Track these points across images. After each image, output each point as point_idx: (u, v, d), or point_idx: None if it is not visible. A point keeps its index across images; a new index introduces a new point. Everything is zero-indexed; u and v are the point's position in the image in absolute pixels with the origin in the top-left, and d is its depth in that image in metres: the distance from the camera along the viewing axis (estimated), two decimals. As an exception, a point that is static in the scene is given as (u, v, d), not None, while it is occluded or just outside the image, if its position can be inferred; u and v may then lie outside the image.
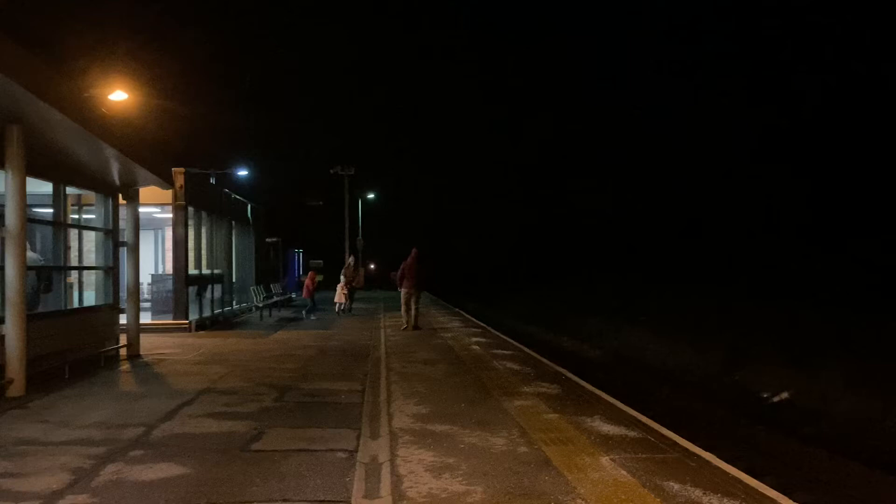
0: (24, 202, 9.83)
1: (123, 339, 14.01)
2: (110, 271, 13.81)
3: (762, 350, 16.64)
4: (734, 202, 42.34)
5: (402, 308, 19.08)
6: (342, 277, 25.28)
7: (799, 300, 21.96)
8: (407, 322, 18.87)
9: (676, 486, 5.61)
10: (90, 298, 13.77)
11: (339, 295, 24.36)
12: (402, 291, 18.88)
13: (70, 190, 12.66)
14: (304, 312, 23.90)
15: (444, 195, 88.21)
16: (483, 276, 59.77)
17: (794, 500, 5.38)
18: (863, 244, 28.85)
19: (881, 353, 14.14)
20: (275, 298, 27.48)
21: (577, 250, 57.80)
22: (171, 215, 19.70)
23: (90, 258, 14.01)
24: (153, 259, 24.26)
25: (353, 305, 27.07)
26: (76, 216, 13.89)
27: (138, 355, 13.90)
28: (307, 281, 24.57)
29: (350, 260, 25.14)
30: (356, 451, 6.83)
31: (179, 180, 18.86)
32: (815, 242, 31.99)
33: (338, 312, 24.36)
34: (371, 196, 47.90)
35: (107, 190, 13.69)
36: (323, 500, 5.41)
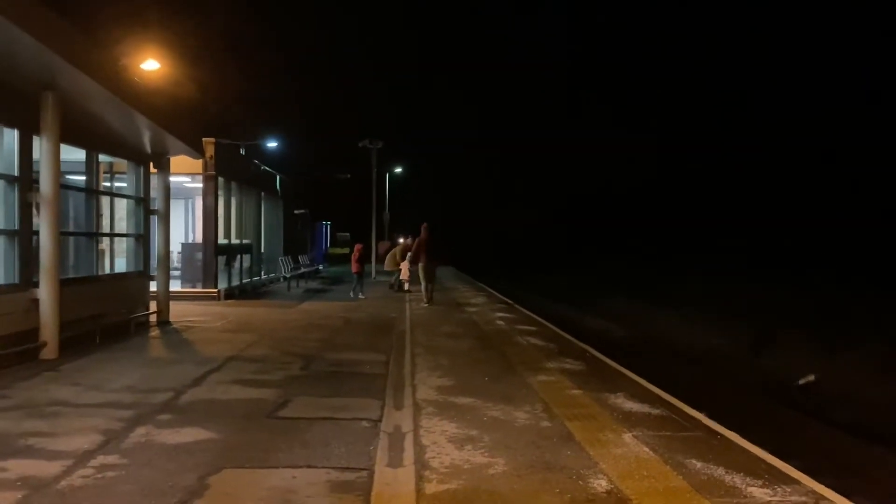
0: (59, 168, 9.97)
1: (153, 306, 14.23)
2: (141, 239, 13.98)
3: (791, 333, 16.48)
4: (763, 184, 41.84)
5: (423, 284, 19.30)
6: (401, 256, 24.14)
7: (830, 284, 21.70)
8: (427, 297, 19.07)
9: (699, 464, 5.60)
10: (121, 265, 13.97)
11: (406, 272, 23.45)
12: (420, 267, 19.21)
13: (102, 158, 12.82)
14: (352, 292, 21.57)
15: (478, 172, 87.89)
16: (512, 255, 59.66)
17: (820, 483, 5.35)
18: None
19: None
20: (302, 270, 27.67)
21: (610, 233, 57.52)
22: (201, 185, 19.87)
23: (121, 226, 14.18)
24: (183, 228, 24.49)
25: (378, 280, 26.95)
26: (108, 184, 14.05)
27: (168, 322, 14.11)
28: (355, 254, 22.30)
29: (409, 239, 24.37)
30: (380, 420, 6.90)
31: (210, 150, 18.97)
32: (847, 228, 31.56)
33: (407, 290, 23.40)
34: (398, 170, 47.80)
35: (138, 158, 13.83)
36: (347, 468, 5.48)
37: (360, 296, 21.02)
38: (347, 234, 52.98)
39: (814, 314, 18.16)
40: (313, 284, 27.26)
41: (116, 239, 13.99)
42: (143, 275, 14.06)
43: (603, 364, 10.50)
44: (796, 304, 20.04)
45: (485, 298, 22.08)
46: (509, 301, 21.25)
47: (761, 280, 26.14)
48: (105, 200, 13.24)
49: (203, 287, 19.33)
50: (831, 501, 4.91)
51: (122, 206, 14.11)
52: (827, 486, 5.34)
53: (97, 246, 12.74)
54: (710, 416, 7.30)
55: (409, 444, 6.08)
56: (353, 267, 21.99)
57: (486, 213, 79.09)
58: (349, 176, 49.32)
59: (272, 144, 37.34)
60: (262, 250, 25.54)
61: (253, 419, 6.88)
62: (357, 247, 22.87)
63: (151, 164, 14.29)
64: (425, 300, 19.00)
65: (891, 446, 9.76)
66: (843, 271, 24.28)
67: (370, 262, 31.33)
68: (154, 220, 14.54)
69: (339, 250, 50.75)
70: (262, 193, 25.79)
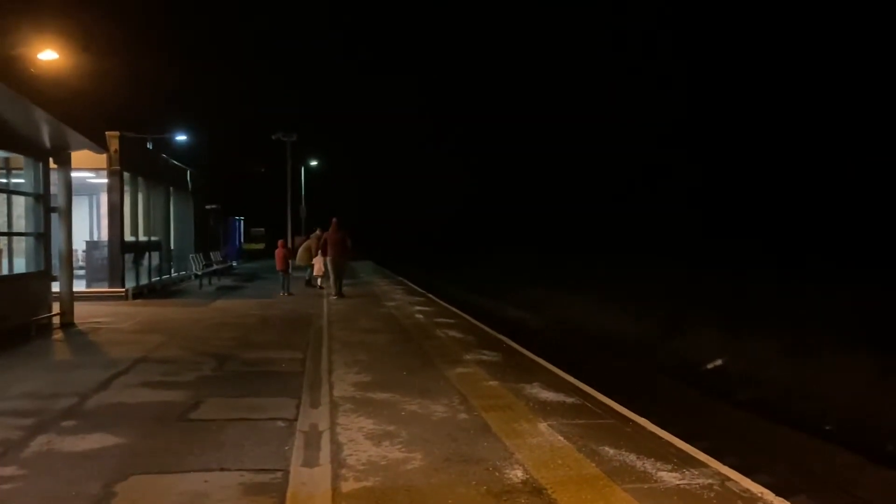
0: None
1: (57, 308, 13.62)
2: (41, 238, 13.35)
3: (699, 318, 17.06)
4: (670, 173, 43.03)
5: (332, 277, 19.57)
6: (315, 250, 23.49)
7: (735, 270, 22.54)
8: (336, 290, 19.31)
9: (611, 451, 5.72)
10: (20, 266, 13.32)
11: (319, 267, 22.74)
12: (328, 260, 19.48)
13: (-3, 153, 12.18)
14: (281, 292, 20.67)
15: (390, 164, 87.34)
16: (434, 248, 59.72)
17: (724, 464, 5.55)
18: (801, 215, 29.71)
19: (811, 321, 14.65)
20: (215, 266, 27.01)
21: (522, 224, 58.15)
22: (105, 180, 19.18)
23: (20, 224, 13.51)
24: (88, 226, 23.54)
25: (294, 275, 26.45)
26: (5, 180, 13.38)
27: (72, 324, 13.54)
28: (280, 251, 21.55)
29: (318, 231, 23.84)
30: (296, 419, 6.79)
31: (114, 144, 18.33)
32: (753, 213, 32.81)
33: (320, 287, 22.49)
34: (314, 163, 47.10)
35: (36, 153, 13.18)
36: (261, 469, 5.37)
37: (280, 293, 20.66)
38: (262, 229, 51.99)
39: (727, 302, 18.81)
40: (227, 282, 26.65)
41: (15, 238, 13.33)
42: (44, 275, 13.42)
43: (519, 354, 10.64)
44: (712, 293, 20.71)
45: (404, 292, 22.06)
46: (429, 294, 21.30)
47: (682, 271, 26.92)
48: (1, 198, 12.59)
49: (110, 286, 18.66)
50: (735, 482, 5.09)
51: (20, 203, 13.44)
52: (732, 465, 5.55)
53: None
54: (624, 402, 7.49)
55: (325, 442, 6.01)
56: (278, 265, 21.62)
57: (407, 207, 78.86)
58: (263, 170, 48.44)
59: (181, 138, 36.18)
60: (172, 247, 24.80)
61: (163, 423, 6.67)
62: (279, 242, 22.47)
63: (51, 159, 13.65)
64: (334, 294, 19.23)
65: (793, 424, 10.25)
66: (761, 263, 25.21)
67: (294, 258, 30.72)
68: (55, 217, 13.91)
69: (253, 246, 49.78)
70: (172, 188, 25.04)
